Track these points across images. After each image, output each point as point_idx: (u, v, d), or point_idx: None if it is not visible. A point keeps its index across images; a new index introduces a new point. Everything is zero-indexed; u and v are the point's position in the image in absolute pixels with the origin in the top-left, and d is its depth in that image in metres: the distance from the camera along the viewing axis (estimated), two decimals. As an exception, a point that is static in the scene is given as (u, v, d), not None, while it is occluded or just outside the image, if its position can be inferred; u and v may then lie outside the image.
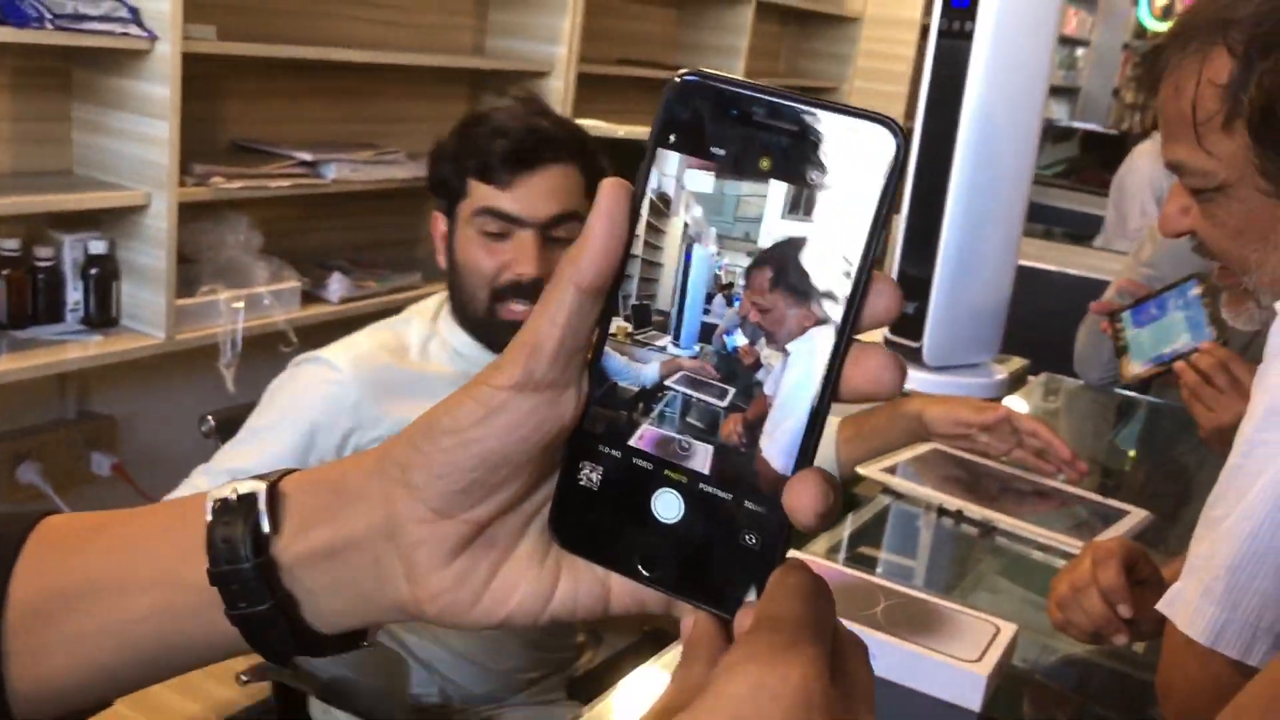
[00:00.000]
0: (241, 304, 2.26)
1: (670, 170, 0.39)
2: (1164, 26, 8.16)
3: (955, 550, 1.52)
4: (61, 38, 1.91)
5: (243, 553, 0.43)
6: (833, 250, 0.37)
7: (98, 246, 2.11)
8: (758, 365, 0.38)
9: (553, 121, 1.43)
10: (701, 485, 0.40)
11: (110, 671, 0.46)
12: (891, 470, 1.56)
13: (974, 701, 1.00)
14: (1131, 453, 2.00)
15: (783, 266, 0.38)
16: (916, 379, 2.03)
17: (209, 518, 0.44)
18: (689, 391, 0.39)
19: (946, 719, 0.99)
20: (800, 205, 0.37)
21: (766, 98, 0.38)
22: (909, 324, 2.02)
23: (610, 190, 0.39)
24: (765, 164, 0.38)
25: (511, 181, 1.37)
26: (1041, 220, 4.49)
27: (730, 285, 0.39)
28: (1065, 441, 1.56)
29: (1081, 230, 4.56)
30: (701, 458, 0.40)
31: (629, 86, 3.55)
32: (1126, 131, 7.47)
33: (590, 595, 0.43)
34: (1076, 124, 7.55)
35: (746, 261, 0.38)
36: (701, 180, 0.39)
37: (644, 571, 0.41)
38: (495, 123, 1.39)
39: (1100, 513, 1.50)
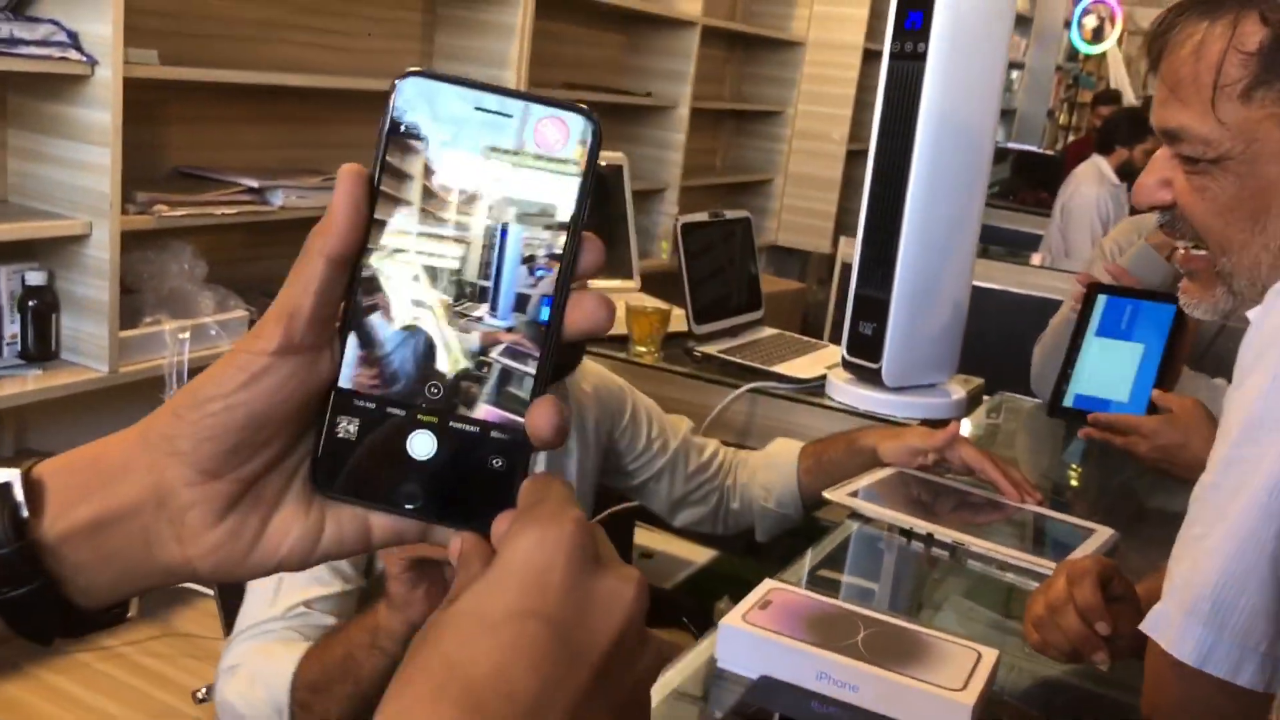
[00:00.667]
0: (187, 334, 2.20)
1: (400, 154, 0.44)
2: (1095, 50, 8.34)
3: (920, 572, 1.52)
4: (-3, 63, 1.85)
5: (2, 537, 0.44)
6: (551, 216, 0.45)
7: (35, 278, 2.04)
8: (496, 315, 0.45)
9: None
10: (452, 422, 0.45)
11: None
12: (855, 494, 1.55)
13: (959, 730, 0.98)
14: (1078, 471, 2.01)
15: (512, 229, 0.45)
16: (876, 400, 2.03)
17: None
18: (435, 342, 0.45)
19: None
20: (519, 180, 0.44)
21: (482, 91, 0.44)
22: (867, 345, 2.01)
23: (349, 174, 0.44)
24: (483, 145, 0.44)
25: None
26: (980, 239, 4.53)
27: (469, 250, 0.45)
28: (1015, 469, 1.58)
29: (1019, 248, 4.62)
30: (451, 397, 0.45)
31: (577, 110, 3.54)
32: (1064, 151, 7.61)
33: (354, 534, 0.47)
34: (1013, 145, 7.66)
35: (483, 228, 0.45)
36: (431, 161, 0.44)
37: (406, 506, 0.46)
38: None
39: (1066, 532, 1.50)
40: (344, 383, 0.45)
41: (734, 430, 2.14)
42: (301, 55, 2.63)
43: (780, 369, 2.19)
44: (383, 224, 0.44)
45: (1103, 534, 1.48)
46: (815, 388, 2.14)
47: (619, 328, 2.29)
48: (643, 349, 2.23)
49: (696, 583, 2.54)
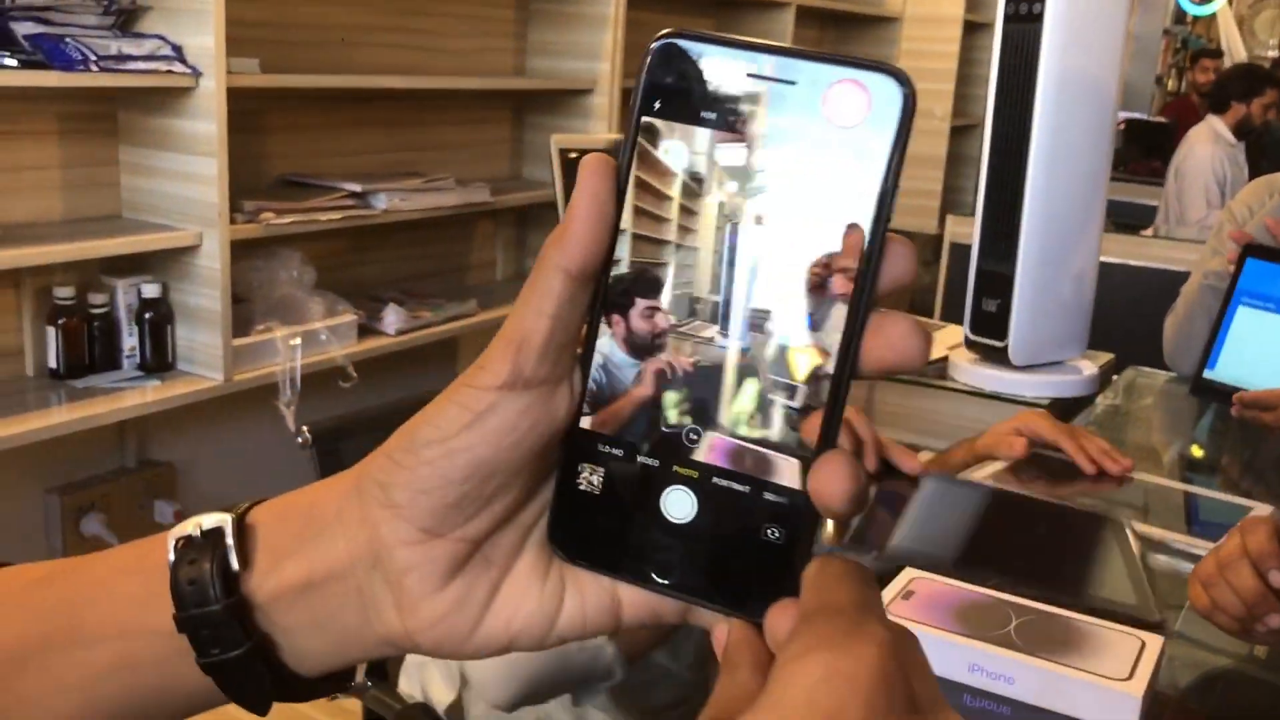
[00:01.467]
0: (298, 341, 2.21)
1: (657, 141, 0.36)
2: (1204, 10, 8.00)
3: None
4: (106, 79, 1.88)
5: (212, 594, 0.39)
6: (844, 214, 0.35)
7: (151, 290, 2.07)
8: (769, 344, 0.36)
9: None
10: (715, 479, 0.36)
11: None
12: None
13: (1129, 724, 0.91)
14: (1220, 447, 1.89)
15: (789, 234, 0.35)
16: (1002, 379, 1.95)
17: (172, 557, 0.40)
18: (694, 377, 0.36)
19: (1099, 746, 0.90)
20: (804, 168, 0.35)
21: (757, 53, 0.35)
22: (992, 323, 1.93)
23: (592, 166, 0.36)
24: (760, 125, 0.35)
25: None
26: (1097, 212, 4.37)
27: (733, 260, 0.36)
28: (1095, 441, 1.48)
29: (1132, 221, 4.44)
30: (713, 449, 0.36)
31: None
32: (1175, 118, 7.32)
33: (599, 609, 0.39)
34: (1122, 114, 7.40)
35: (752, 231, 0.35)
36: (692, 147, 0.35)
37: (658, 579, 0.37)
38: None
39: (1221, 509, 1.41)
40: (585, 423, 0.38)
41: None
42: (396, 58, 2.64)
43: (897, 351, 2.11)
44: (632, 229, 0.36)
45: (1262, 510, 1.39)
46: (937, 370, 2.06)
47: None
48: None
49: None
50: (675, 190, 0.36)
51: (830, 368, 0.35)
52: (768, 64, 0.35)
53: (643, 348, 0.37)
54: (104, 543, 2.16)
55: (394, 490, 0.37)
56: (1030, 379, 1.92)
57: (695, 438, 0.37)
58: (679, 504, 0.37)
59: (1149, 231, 4.06)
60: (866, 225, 0.35)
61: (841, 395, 0.35)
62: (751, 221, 0.35)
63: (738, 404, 0.36)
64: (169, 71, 1.95)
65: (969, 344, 1.97)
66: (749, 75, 0.35)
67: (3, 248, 1.81)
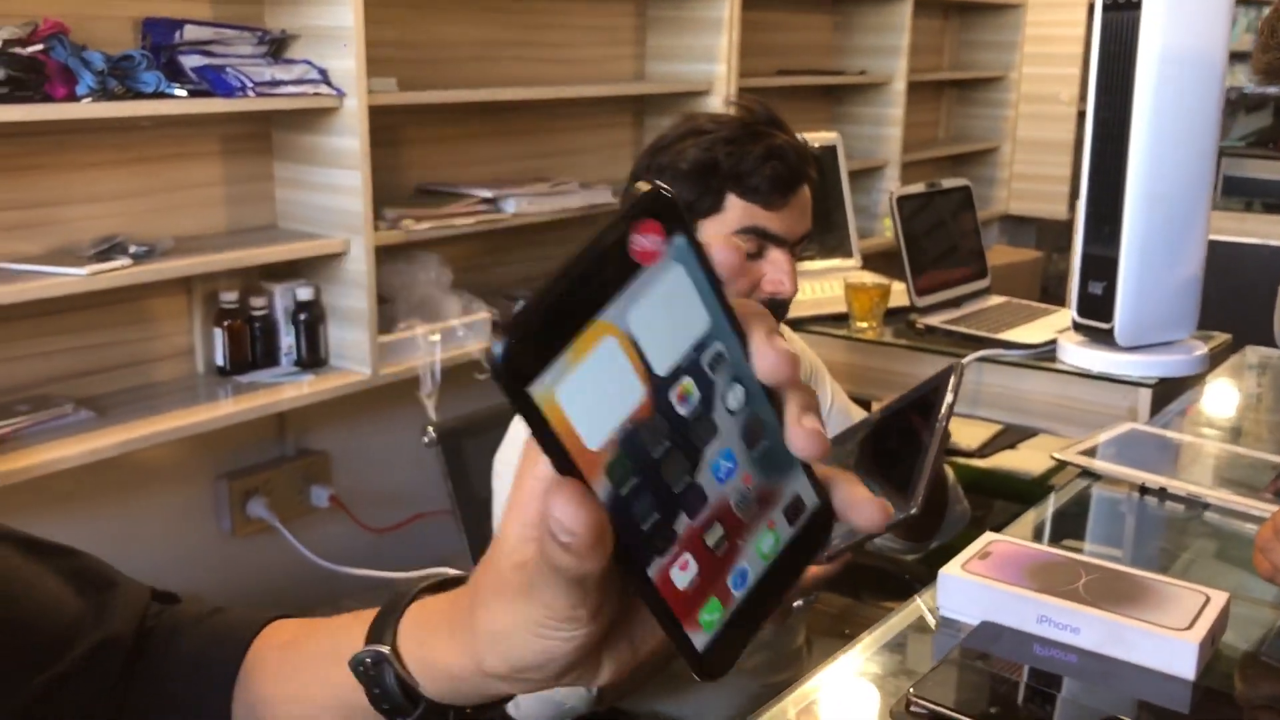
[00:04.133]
0: (438, 337, 2.39)
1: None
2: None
3: (1164, 532, 1.48)
4: (262, 103, 2.07)
5: (402, 703, 0.52)
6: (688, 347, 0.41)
7: (305, 293, 2.27)
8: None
9: (790, 135, 1.41)
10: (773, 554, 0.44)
11: None
12: (1090, 453, 1.53)
13: (1187, 670, 0.97)
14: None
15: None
16: (1109, 360, 1.98)
17: (354, 677, 0.53)
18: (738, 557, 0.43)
19: (1161, 689, 0.97)
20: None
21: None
22: (1098, 305, 1.97)
23: (565, 487, 0.39)
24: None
25: (783, 204, 1.36)
26: (1241, 193, 4.26)
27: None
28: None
29: (1282, 199, 4.30)
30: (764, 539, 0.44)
31: (790, 96, 3.57)
32: (1327, 92, 6.98)
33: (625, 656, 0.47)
34: (1272, 90, 7.10)
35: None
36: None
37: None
38: (761, 144, 1.36)
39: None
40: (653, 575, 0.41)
41: (963, 400, 2.13)
42: (523, 70, 2.79)
43: (1007, 336, 2.16)
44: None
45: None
46: (1046, 353, 2.10)
47: (838, 305, 2.32)
48: (864, 324, 2.25)
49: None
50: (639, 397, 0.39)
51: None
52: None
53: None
54: (267, 524, 2.37)
55: (491, 668, 0.46)
56: (1136, 359, 1.95)
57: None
58: (743, 577, 0.43)
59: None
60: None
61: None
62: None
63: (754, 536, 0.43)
64: (316, 94, 2.14)
65: (1076, 327, 2.01)
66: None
67: (175, 258, 2.03)
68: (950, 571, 1.10)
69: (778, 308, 1.40)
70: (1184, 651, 0.98)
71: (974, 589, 1.08)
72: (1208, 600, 1.04)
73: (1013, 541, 1.17)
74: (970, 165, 4.64)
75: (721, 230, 1.37)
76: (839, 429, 1.64)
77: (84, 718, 0.62)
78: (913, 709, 0.93)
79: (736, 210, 1.37)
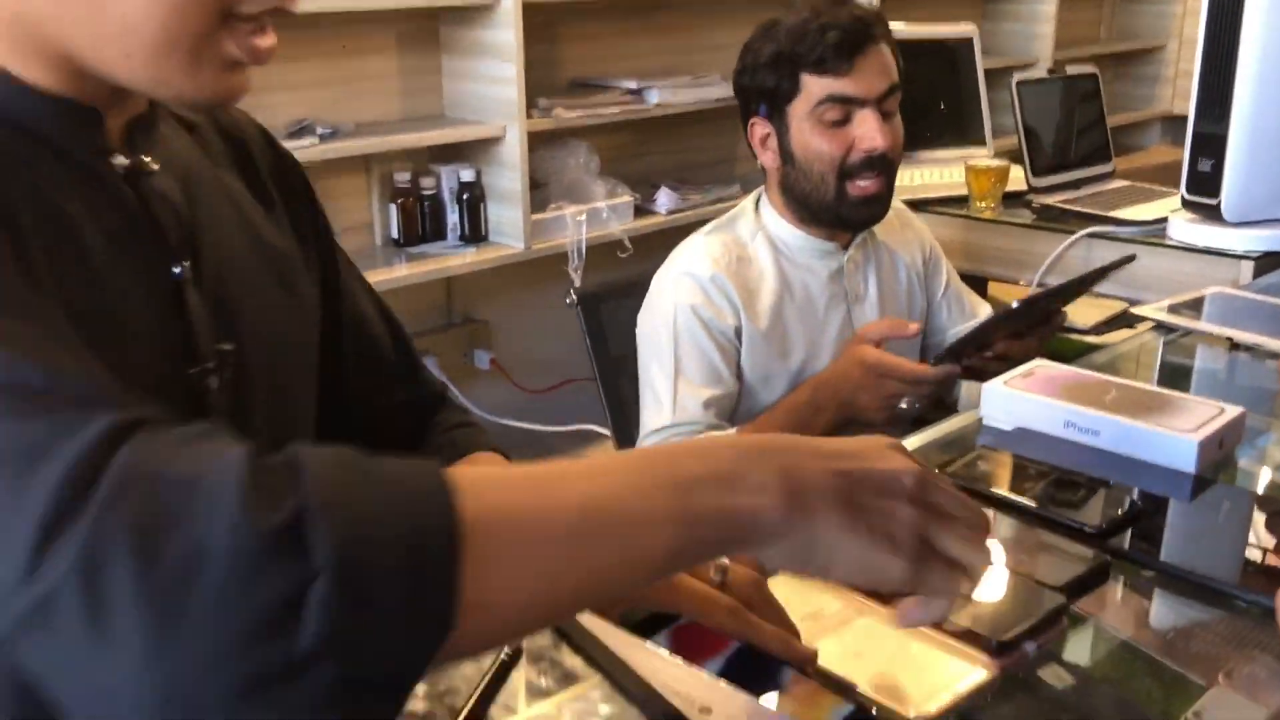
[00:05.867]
0: (584, 218, 2.62)
1: None
2: None
3: (1237, 379, 1.55)
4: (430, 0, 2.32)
5: None
6: None
7: (468, 174, 2.53)
8: None
9: (857, 6, 1.57)
10: None
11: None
12: (1171, 309, 1.63)
13: (1188, 465, 1.12)
14: None
15: None
16: (1216, 234, 2.05)
17: None
18: None
19: (1167, 481, 1.12)
20: None
21: None
22: (1206, 182, 2.04)
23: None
24: None
25: (850, 68, 1.51)
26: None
27: None
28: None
29: None
30: None
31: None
32: None
33: None
34: None
35: None
36: None
37: None
38: (819, 20, 1.51)
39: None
40: None
41: (1072, 276, 2.22)
42: (671, -32, 2.96)
43: (1120, 214, 2.25)
44: None
45: None
46: (1157, 230, 2.18)
47: (959, 189, 2.43)
48: (982, 204, 2.37)
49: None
50: None
51: None
52: None
53: None
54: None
55: None
56: (1243, 233, 2.02)
57: None
58: None
59: None
60: None
61: None
62: None
63: None
64: (477, -10, 2.37)
65: (1185, 204, 2.09)
66: None
67: (356, 138, 2.31)
68: (993, 385, 1.26)
69: (878, 164, 1.54)
70: (1185, 449, 1.13)
71: (1013, 399, 1.25)
72: (1222, 411, 1.18)
73: (1057, 366, 1.33)
74: (1134, 63, 4.56)
75: (806, 108, 1.54)
76: (953, 312, 1.80)
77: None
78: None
79: (812, 85, 1.53)
